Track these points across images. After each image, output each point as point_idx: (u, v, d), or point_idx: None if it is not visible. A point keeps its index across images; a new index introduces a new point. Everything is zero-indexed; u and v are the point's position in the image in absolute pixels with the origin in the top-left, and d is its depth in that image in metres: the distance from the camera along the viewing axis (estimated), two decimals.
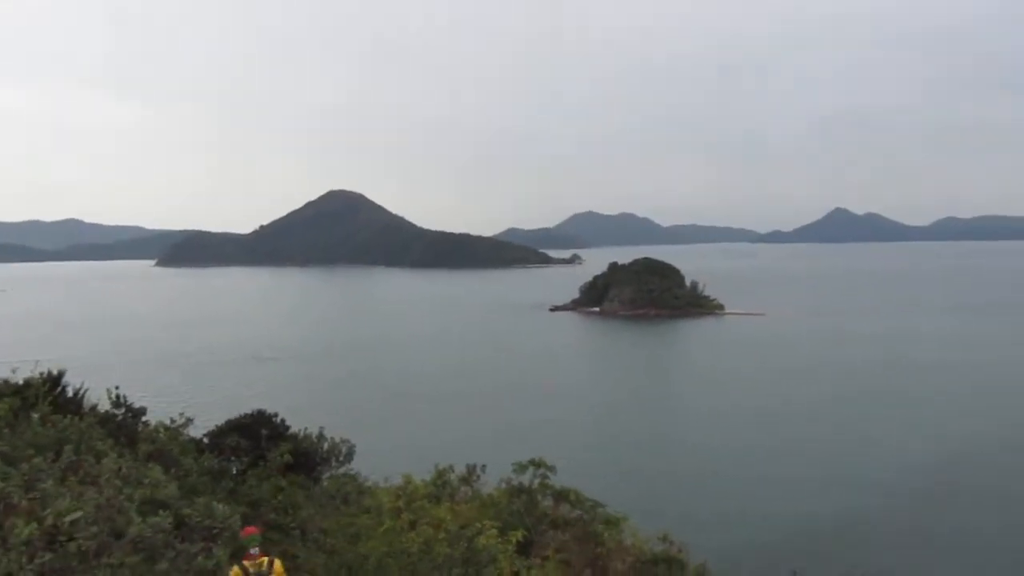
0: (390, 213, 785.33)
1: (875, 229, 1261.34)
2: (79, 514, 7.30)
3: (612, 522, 16.15)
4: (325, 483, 22.63)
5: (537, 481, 18.31)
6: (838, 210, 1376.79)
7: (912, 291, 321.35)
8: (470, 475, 23.29)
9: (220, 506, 8.60)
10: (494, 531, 14.82)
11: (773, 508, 69.41)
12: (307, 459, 23.61)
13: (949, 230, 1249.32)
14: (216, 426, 24.05)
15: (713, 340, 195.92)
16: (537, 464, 18.32)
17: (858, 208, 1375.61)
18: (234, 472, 19.88)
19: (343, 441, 25.58)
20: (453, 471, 25.50)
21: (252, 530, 9.47)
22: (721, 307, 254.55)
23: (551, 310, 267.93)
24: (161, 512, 7.69)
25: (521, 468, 18.31)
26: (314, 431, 25.82)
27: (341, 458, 25.92)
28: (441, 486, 23.73)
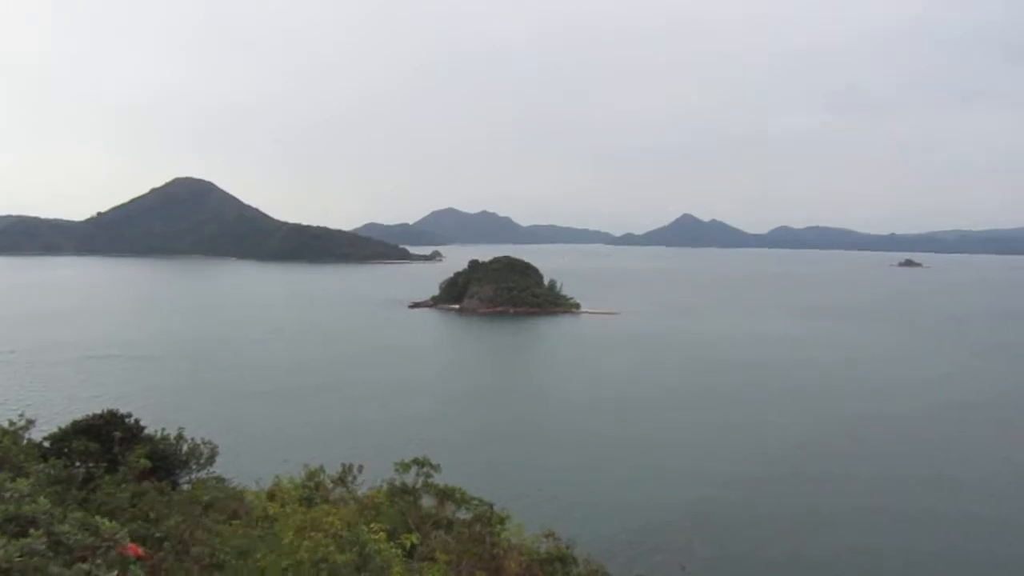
0: (243, 203, 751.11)
1: (719, 235, 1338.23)
2: None
3: (500, 521, 15.82)
4: (187, 488, 21.02)
5: (421, 480, 17.70)
6: (686, 216, 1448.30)
7: (752, 293, 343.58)
8: (345, 475, 22.33)
9: (104, 520, 7.43)
10: (383, 535, 14.16)
11: (636, 498, 71.94)
12: (166, 463, 21.85)
13: (783, 238, 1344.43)
14: (59, 428, 21.80)
15: (570, 337, 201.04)
16: (421, 463, 17.71)
17: (704, 215, 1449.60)
18: (82, 479, 18.04)
19: (205, 443, 23.87)
20: (324, 472, 24.39)
21: (137, 551, 8.30)
22: (578, 306, 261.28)
23: (410, 307, 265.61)
24: (32, 531, 6.50)
25: (404, 467, 17.64)
26: (172, 432, 23.99)
27: (203, 461, 24.21)
28: (314, 488, 22.63)
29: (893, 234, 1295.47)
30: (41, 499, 7.63)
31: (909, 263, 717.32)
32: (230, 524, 16.54)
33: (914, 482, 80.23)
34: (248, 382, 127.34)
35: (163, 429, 23.73)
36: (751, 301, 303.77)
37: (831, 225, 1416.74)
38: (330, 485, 23.41)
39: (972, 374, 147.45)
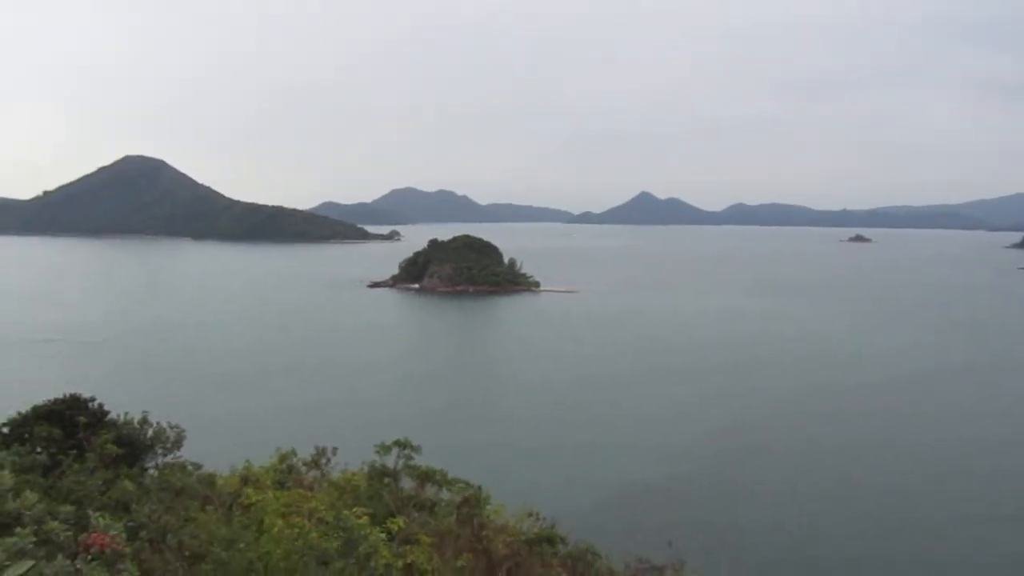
0: (196, 182, 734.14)
1: (676, 212, 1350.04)
2: None
3: (484, 502, 15.60)
4: (154, 474, 20.36)
5: (401, 462, 17.38)
6: (643, 194, 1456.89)
7: (710, 270, 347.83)
8: (319, 458, 21.88)
9: (96, 515, 6.93)
10: (366, 519, 13.83)
11: (609, 474, 72.75)
12: (132, 448, 21.16)
13: (739, 215, 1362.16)
14: (18, 413, 20.93)
15: (530, 316, 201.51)
16: (402, 444, 17.38)
17: (661, 193, 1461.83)
18: (45, 466, 17.33)
19: (172, 427, 23.16)
20: (296, 455, 23.89)
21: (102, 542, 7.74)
22: (537, 284, 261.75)
23: (369, 286, 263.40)
24: (18, 531, 5.98)
25: (384, 449, 17.29)
26: (136, 416, 23.23)
27: (169, 445, 23.52)
28: (287, 471, 22.15)
29: (845, 210, 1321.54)
30: (28, 493, 7.12)
31: (859, 238, 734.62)
32: (204, 511, 16.06)
33: (873, 451, 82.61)
34: (206, 365, 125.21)
35: (126, 413, 22.97)
36: (709, 278, 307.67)
37: (785, 202, 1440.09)
38: (303, 468, 22.93)
39: (920, 347, 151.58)
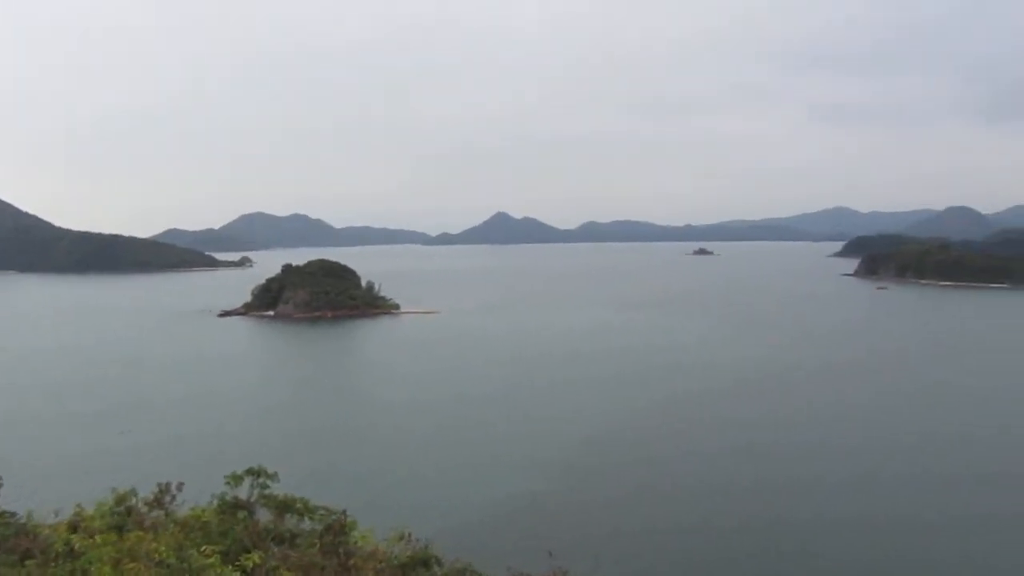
0: (20, 211, 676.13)
1: (531, 231, 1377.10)
2: None
3: (350, 528, 14.36)
4: None
5: (256, 493, 15.79)
6: (500, 214, 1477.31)
7: (566, 286, 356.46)
8: (162, 496, 19.73)
9: None
10: (216, 557, 12.34)
11: (478, 491, 71.88)
12: None
13: (591, 233, 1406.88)
14: None
15: (391, 338, 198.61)
16: (256, 472, 15.78)
17: (517, 213, 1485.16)
18: None
19: None
20: (137, 494, 21.56)
21: None
22: (397, 306, 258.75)
23: (220, 316, 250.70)
24: None
25: (235, 479, 15.64)
26: None
27: None
28: (125, 513, 19.85)
29: (688, 225, 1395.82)
30: None
31: (702, 251, 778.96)
32: (23, 565, 13.95)
33: (743, 452, 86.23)
34: (35, 405, 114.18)
35: None
36: (565, 294, 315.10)
37: (634, 219, 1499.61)
38: (144, 509, 20.62)
39: (775, 352, 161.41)
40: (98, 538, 12.91)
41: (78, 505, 20.47)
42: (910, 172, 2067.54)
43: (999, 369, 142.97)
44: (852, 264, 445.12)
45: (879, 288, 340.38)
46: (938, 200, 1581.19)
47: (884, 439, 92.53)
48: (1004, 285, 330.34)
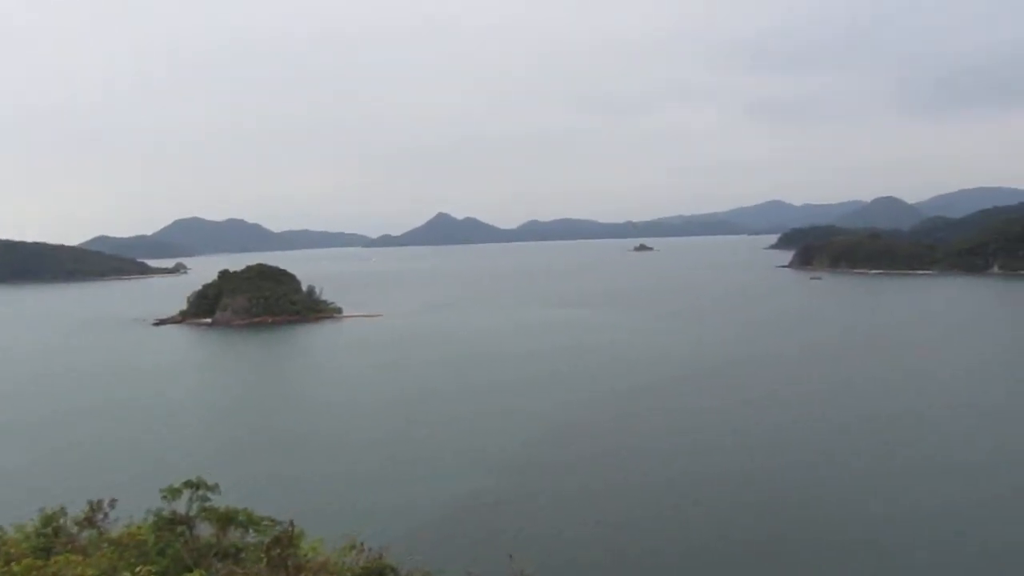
0: None
1: (473, 232, 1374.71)
2: None
3: (298, 540, 13.57)
4: None
5: (196, 506, 14.84)
6: (441, 215, 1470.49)
7: (510, 286, 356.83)
8: (93, 514, 18.56)
9: None
10: None
11: (430, 494, 70.95)
12: None
13: (533, 231, 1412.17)
14: None
15: (333, 343, 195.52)
16: (195, 485, 14.83)
17: (459, 213, 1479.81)
18: None
19: None
20: (66, 513, 20.28)
21: None
22: (340, 311, 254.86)
23: (155, 324, 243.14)
24: None
25: (173, 493, 14.66)
26: None
27: None
28: (52, 534, 18.60)
29: (629, 221, 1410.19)
30: None
31: (643, 247, 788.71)
32: None
33: (697, 444, 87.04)
34: None
35: None
36: (509, 293, 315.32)
37: (575, 217, 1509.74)
38: (75, 528, 19.40)
39: (722, 343, 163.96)
40: (19, 564, 11.85)
41: None
42: (840, 165, 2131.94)
43: (937, 351, 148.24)
44: (787, 256, 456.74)
45: (813, 278, 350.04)
46: (867, 191, 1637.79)
47: (830, 426, 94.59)
48: (930, 272, 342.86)
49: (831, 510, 66.20)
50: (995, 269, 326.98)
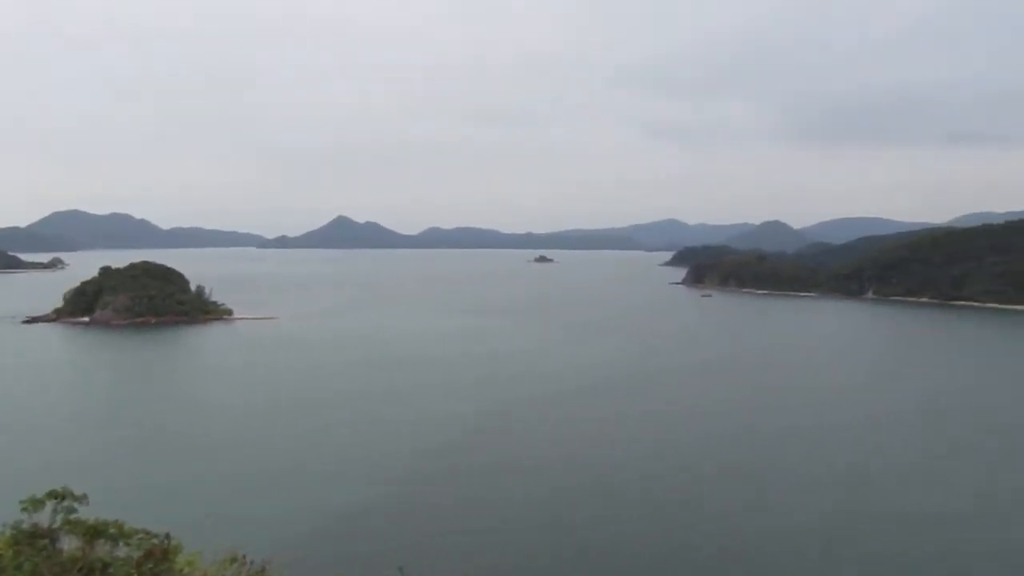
0: None
1: (373, 236, 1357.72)
2: None
3: (174, 553, 12.69)
4: None
5: (60, 518, 13.66)
6: (341, 218, 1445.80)
7: (409, 292, 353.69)
8: None
9: None
10: None
11: (320, 501, 69.14)
12: None
13: (434, 239, 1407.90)
14: None
15: (224, 345, 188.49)
16: (59, 495, 13.63)
17: (359, 217, 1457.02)
18: None
19: None
20: None
21: None
22: (230, 312, 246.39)
23: (25, 322, 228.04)
24: None
25: (35, 504, 13.42)
26: None
27: None
28: None
29: (530, 233, 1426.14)
30: None
31: (543, 259, 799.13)
32: None
33: (600, 454, 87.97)
34: None
35: None
36: (409, 300, 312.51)
37: (477, 226, 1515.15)
38: None
39: (622, 356, 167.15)
40: None
41: None
42: (732, 189, 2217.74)
43: (817, 370, 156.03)
44: (680, 273, 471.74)
45: (704, 295, 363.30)
46: (756, 215, 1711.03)
47: (721, 435, 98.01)
48: (811, 294, 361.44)
49: (715, 523, 68.31)
50: (869, 294, 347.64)
